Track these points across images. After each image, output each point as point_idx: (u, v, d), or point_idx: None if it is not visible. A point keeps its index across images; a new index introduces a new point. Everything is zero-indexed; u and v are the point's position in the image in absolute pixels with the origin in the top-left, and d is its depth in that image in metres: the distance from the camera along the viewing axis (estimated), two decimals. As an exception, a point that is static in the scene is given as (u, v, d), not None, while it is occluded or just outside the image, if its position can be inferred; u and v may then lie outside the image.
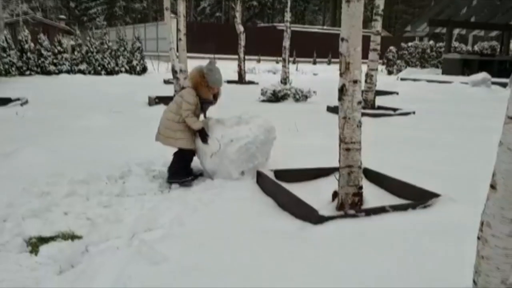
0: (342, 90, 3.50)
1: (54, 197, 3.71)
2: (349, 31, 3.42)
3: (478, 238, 1.51)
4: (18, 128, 6.77)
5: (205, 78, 4.34)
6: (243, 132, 4.33)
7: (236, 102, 10.68)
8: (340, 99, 3.51)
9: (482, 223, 1.47)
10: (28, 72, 17.99)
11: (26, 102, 9.61)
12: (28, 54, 18.07)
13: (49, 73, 18.32)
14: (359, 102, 3.53)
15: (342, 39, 3.45)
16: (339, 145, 3.55)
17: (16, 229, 3.03)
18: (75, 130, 6.63)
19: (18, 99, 9.50)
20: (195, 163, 4.55)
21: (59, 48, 18.72)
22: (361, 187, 3.57)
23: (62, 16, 44.50)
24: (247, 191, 3.97)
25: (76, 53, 19.15)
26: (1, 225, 3.07)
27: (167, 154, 4.72)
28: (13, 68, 17.51)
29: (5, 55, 16.92)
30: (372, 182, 4.22)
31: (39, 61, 18.33)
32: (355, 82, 3.47)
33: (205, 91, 4.39)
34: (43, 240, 2.98)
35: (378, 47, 9.17)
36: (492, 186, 1.42)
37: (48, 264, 2.64)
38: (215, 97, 4.60)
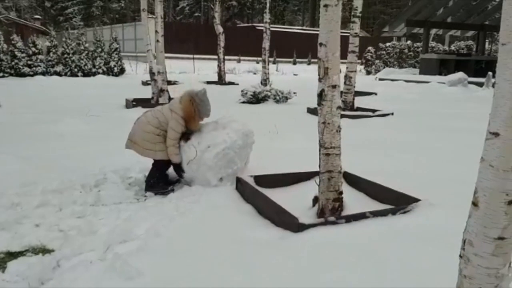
0: (321, 95, 3.45)
1: (24, 208, 3.57)
2: (327, 36, 3.38)
3: (460, 256, 1.46)
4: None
5: (197, 109, 4.24)
6: (220, 137, 4.25)
7: (216, 103, 10.46)
8: (319, 104, 3.47)
9: (464, 241, 1.43)
10: (0, 74, 17.53)
11: (-1, 105, 9.33)
12: (1, 55, 17.60)
13: (23, 75, 17.88)
14: (338, 107, 3.49)
15: (321, 44, 3.41)
16: (319, 150, 3.51)
17: (-17, 243, 2.89)
18: (49, 136, 6.44)
19: (-11, 103, 9.23)
20: (171, 169, 4.44)
21: (33, 49, 18.29)
22: (341, 192, 3.54)
23: (37, 16, 43.55)
24: (226, 198, 3.89)
25: (51, 54, 18.74)
26: (-34, 240, 2.92)
27: (144, 160, 4.61)
28: (-15, 70, 17.04)
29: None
30: (352, 186, 4.19)
31: (13, 63, 17.87)
32: (334, 87, 3.43)
33: (195, 123, 4.32)
34: (12, 255, 2.84)
35: (357, 49, 9.18)
36: (474, 204, 1.37)
37: (16, 281, 2.51)
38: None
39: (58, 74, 18.67)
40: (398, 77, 21.27)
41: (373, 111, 9.45)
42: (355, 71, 9.47)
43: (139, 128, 4.28)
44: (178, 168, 4.28)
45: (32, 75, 17.96)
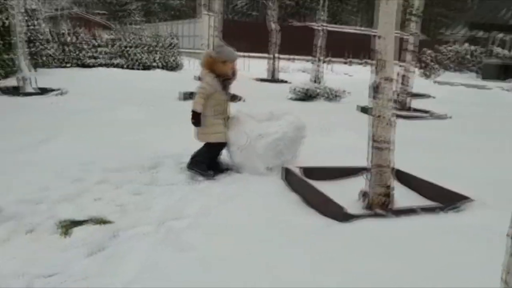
0: (375, 88, 3.46)
1: (86, 183, 3.81)
2: (385, 29, 3.38)
3: (508, 235, 1.46)
4: (54, 117, 6.97)
5: (216, 57, 4.33)
6: (272, 128, 4.33)
7: (266, 99, 10.69)
8: (373, 97, 3.47)
9: (513, 221, 1.43)
10: (67, 64, 18.51)
11: (65, 92, 9.88)
12: (68, 47, 18.59)
13: (86, 65, 18.77)
14: (391, 100, 3.48)
15: (379, 37, 3.42)
16: (371, 144, 3.51)
17: (49, 212, 3.14)
18: (109, 121, 6.78)
19: (57, 89, 9.80)
20: (224, 156, 4.57)
21: (97, 42, 19.17)
22: (391, 187, 3.52)
23: (101, 11, 45.55)
24: (274, 186, 3.97)
25: (111, 47, 19.56)
26: (35, 207, 3.18)
27: (195, 146, 4.77)
28: (52, 60, 18.05)
29: (46, 47, 17.45)
30: (402, 183, 4.14)
31: (78, 54, 18.83)
32: (388, 79, 3.43)
33: (221, 67, 4.32)
34: (75, 223, 3.06)
35: (415, 49, 8.98)
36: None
37: (79, 246, 2.71)
38: (233, 73, 4.49)
39: (118, 66, 19.46)
40: (457, 81, 20.49)
41: (429, 112, 9.20)
42: (412, 72, 9.27)
43: None
44: (195, 117, 4.24)
45: (95, 66, 18.84)
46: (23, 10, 10.05)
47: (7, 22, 10.38)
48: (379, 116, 3.47)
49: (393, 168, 3.55)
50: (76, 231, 2.91)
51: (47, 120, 6.63)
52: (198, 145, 4.53)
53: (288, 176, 4.17)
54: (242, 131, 4.34)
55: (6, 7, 10.27)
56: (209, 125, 4.32)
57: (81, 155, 4.64)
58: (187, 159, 4.80)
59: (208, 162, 4.40)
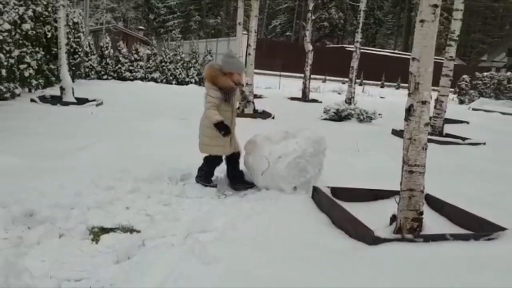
0: (409, 110, 3.42)
1: (118, 192, 3.90)
2: (421, 51, 3.36)
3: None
4: (92, 126, 7.20)
5: (218, 69, 4.38)
6: (290, 147, 4.32)
7: (298, 118, 10.72)
8: (406, 119, 3.43)
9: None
10: (105, 77, 19.11)
11: (101, 103, 10.20)
12: (107, 60, 19.22)
13: (124, 79, 19.36)
14: (426, 124, 3.43)
15: (413, 59, 3.39)
16: (402, 167, 3.46)
17: (81, 217, 3.22)
18: (143, 132, 6.94)
19: (94, 100, 10.13)
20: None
21: (135, 56, 19.75)
22: (421, 213, 3.44)
23: (141, 27, 46.99)
24: (301, 205, 3.95)
25: (151, 62, 20.11)
26: (68, 212, 3.27)
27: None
28: (93, 72, 18.69)
29: (87, 59, 18.10)
30: (433, 209, 4.05)
31: (116, 67, 19.43)
32: (423, 103, 3.39)
33: (223, 80, 4.34)
34: (104, 230, 3.14)
35: (451, 73, 8.85)
36: None
37: (107, 253, 2.77)
38: (237, 83, 4.50)
39: (155, 80, 19.96)
40: (494, 108, 19.99)
41: (463, 139, 9.00)
42: (447, 96, 9.12)
43: (201, 124, 4.57)
44: (220, 127, 4.27)
45: (132, 80, 19.39)
46: (66, 23, 10.47)
47: (49, 34, 10.85)
48: (411, 139, 3.42)
49: (421, 191, 3.47)
50: (106, 237, 2.98)
51: (85, 129, 6.86)
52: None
53: (317, 195, 4.14)
54: (261, 155, 4.34)
55: (50, 20, 10.76)
56: (213, 137, 4.37)
57: (116, 163, 4.75)
58: (217, 173, 4.85)
59: (211, 174, 4.63)
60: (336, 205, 3.77)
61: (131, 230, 3.18)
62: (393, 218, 3.57)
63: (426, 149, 3.44)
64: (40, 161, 4.56)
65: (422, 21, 3.33)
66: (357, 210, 3.71)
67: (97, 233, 3.07)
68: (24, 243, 2.72)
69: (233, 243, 2.95)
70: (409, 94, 3.43)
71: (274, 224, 3.41)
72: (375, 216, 3.67)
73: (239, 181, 4.56)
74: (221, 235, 3.09)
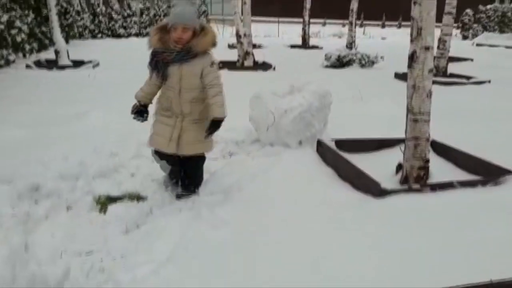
0: (412, 57, 3.32)
1: (122, 158, 3.88)
2: (422, -7, 3.21)
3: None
4: (90, 90, 7.09)
5: (161, 26, 3.01)
6: (296, 101, 4.24)
7: (299, 67, 10.53)
8: (410, 66, 3.35)
9: None
10: (99, 35, 18.72)
11: (98, 64, 10.01)
12: (100, 17, 18.74)
13: (119, 36, 18.97)
14: (431, 70, 3.34)
15: (415, 2, 3.26)
16: (406, 116, 3.40)
17: (87, 187, 3.22)
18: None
19: (90, 62, 9.93)
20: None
21: (128, 11, 19.24)
22: (427, 161, 3.42)
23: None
24: (307, 160, 3.92)
25: (144, 16, 19.60)
26: (73, 183, 3.27)
27: (231, 118, 4.68)
28: (86, 31, 18.28)
29: (79, 18, 17.65)
30: (439, 155, 4.03)
31: (110, 24, 18.99)
32: (427, 48, 3.28)
33: (157, 39, 2.96)
34: (111, 199, 3.14)
35: (454, 11, 8.55)
36: None
37: (116, 223, 2.78)
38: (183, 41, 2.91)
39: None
40: (499, 42, 19.53)
41: (468, 78, 8.84)
42: (450, 35, 8.86)
43: None
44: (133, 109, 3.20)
45: (126, 36, 19.00)
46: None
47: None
48: (415, 87, 3.34)
49: (427, 139, 3.43)
50: (113, 207, 2.99)
51: (83, 93, 6.76)
52: (236, 117, 4.01)
53: (321, 149, 4.11)
54: (267, 110, 4.27)
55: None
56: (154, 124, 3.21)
57: (117, 128, 4.70)
58: (221, 132, 4.73)
59: None
60: (341, 158, 3.75)
61: (138, 198, 3.19)
62: (399, 167, 3.56)
63: (430, 96, 3.37)
64: (41, 131, 4.52)
65: (423, -39, 3.15)
66: (363, 161, 3.69)
67: (104, 202, 3.08)
68: (32, 218, 2.73)
69: (240, 205, 2.95)
70: (411, 40, 3.32)
71: (279, 181, 3.40)
72: (381, 166, 3.66)
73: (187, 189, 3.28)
74: (228, 197, 3.09)
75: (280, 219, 2.76)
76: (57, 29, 9.61)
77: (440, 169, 3.61)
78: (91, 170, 3.51)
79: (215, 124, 2.95)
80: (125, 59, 11.75)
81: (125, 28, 19.19)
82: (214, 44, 3.00)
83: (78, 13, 17.59)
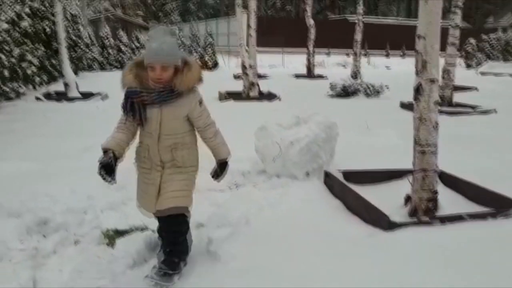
0: (418, 90, 3.35)
1: (129, 190, 3.87)
2: (427, 28, 3.28)
3: None
4: (98, 123, 7.15)
5: (136, 63, 2.56)
6: (302, 132, 4.27)
7: (304, 97, 10.61)
8: (415, 98, 3.37)
9: None
10: (108, 67, 19.04)
11: (106, 96, 10.15)
12: (109, 49, 19.12)
13: (127, 67, 19.26)
14: (436, 102, 3.36)
15: (419, 37, 3.31)
16: (414, 147, 3.41)
17: (95, 221, 3.23)
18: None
19: (99, 94, 10.08)
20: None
21: (136, 43, 19.62)
22: (436, 192, 3.41)
23: (140, 12, 46.53)
24: (314, 192, 3.92)
25: (151, 48, 19.97)
26: (81, 217, 3.27)
27: (237, 149, 4.67)
28: (95, 63, 18.62)
29: (88, 50, 18.01)
30: (448, 186, 4.00)
31: (118, 56, 19.34)
32: (432, 81, 3.32)
33: (132, 78, 2.51)
34: (119, 233, 3.13)
35: (457, 41, 8.67)
36: None
37: (124, 257, 2.76)
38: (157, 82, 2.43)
39: (157, 67, 19.85)
40: (503, 71, 19.61)
41: (473, 107, 8.86)
42: (454, 65, 8.94)
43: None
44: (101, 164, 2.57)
45: (134, 68, 19.29)
46: (64, 17, 10.38)
47: (48, 29, 10.77)
48: (422, 119, 3.36)
49: (435, 171, 3.42)
50: (121, 241, 2.97)
51: (91, 126, 6.83)
52: (242, 148, 4.24)
53: (329, 180, 4.11)
54: (272, 141, 4.29)
55: (48, 15, 10.67)
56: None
57: (125, 160, 4.73)
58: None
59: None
60: (349, 190, 3.74)
61: (146, 229, 3.18)
62: (408, 199, 3.54)
63: (437, 127, 3.39)
64: (49, 164, 4.56)
65: (426, -3, 3.22)
66: (371, 193, 3.68)
67: (112, 236, 3.07)
68: (41, 253, 2.73)
69: (247, 239, 2.94)
70: (416, 73, 3.36)
71: (287, 214, 3.40)
72: (389, 197, 3.65)
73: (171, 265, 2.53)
74: (235, 230, 3.07)
75: (287, 254, 2.73)
76: (66, 61, 9.81)
77: (449, 201, 3.58)
78: (99, 203, 3.52)
79: (224, 166, 2.74)
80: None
81: (133, 60, 19.53)
82: (200, 79, 2.55)
83: (87, 45, 17.96)
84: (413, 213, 3.39)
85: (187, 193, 2.62)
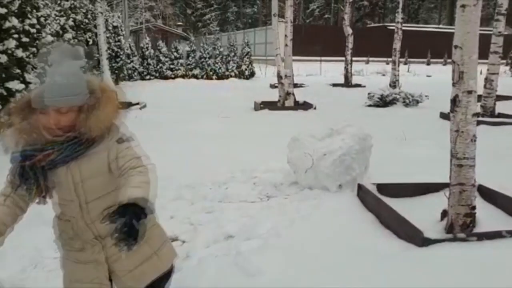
0: (454, 101, 3.25)
1: (161, 200, 3.95)
2: (464, 38, 3.18)
3: None
4: (135, 131, 7.30)
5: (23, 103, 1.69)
6: (335, 144, 4.21)
7: (341, 107, 10.50)
8: (452, 110, 3.27)
9: None
10: (148, 77, 19.52)
11: (145, 106, 10.40)
12: (148, 60, 19.61)
13: (166, 77, 19.70)
14: (474, 115, 3.24)
15: (456, 47, 3.21)
16: (450, 160, 3.30)
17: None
18: (186, 134, 7.01)
19: (137, 103, 10.35)
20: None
21: (175, 54, 20.04)
22: (474, 207, 3.28)
23: (180, 23, 47.58)
24: (347, 205, 3.85)
25: (190, 58, 20.34)
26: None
27: (270, 160, 4.62)
28: (135, 73, 19.14)
29: (129, 61, 18.55)
30: (487, 201, 3.85)
31: (158, 67, 19.79)
32: (469, 92, 3.21)
33: (34, 125, 1.65)
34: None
35: (500, 49, 8.34)
36: None
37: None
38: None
39: (195, 77, 20.19)
40: (552, 79, 18.73)
41: (518, 117, 8.49)
42: (498, 73, 8.61)
43: None
44: None
45: (173, 78, 19.70)
46: (105, 29, 10.75)
47: (90, 40, 11.17)
48: (459, 131, 3.25)
49: (472, 185, 3.29)
50: None
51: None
52: (275, 159, 4.43)
53: (362, 193, 4.03)
54: (305, 152, 4.25)
55: (90, 27, 11.07)
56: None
57: (159, 170, 4.80)
58: (259, 173, 4.81)
59: None
60: (382, 204, 3.65)
61: (176, 241, 3.21)
62: (444, 214, 3.43)
63: (475, 140, 3.27)
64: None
65: (463, 6, 3.14)
66: (405, 207, 3.58)
67: (143, 246, 3.12)
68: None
69: (277, 252, 2.91)
70: (453, 84, 3.26)
71: (318, 228, 3.35)
72: (425, 212, 3.54)
73: None
74: (265, 243, 3.06)
75: (318, 269, 2.69)
76: (107, 72, 10.15)
77: (488, 216, 3.44)
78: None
79: (124, 211, 1.41)
80: (171, 100, 12.17)
81: (172, 70, 19.95)
82: (118, 113, 1.77)
83: (128, 56, 18.50)
84: (449, 228, 3.27)
85: (157, 258, 1.81)
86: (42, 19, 6.61)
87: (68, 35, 9.74)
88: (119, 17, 16.46)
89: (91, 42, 11.46)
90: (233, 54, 20.95)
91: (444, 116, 8.77)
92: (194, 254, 2.98)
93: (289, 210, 3.76)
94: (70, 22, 9.93)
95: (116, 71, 14.76)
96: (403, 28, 14.21)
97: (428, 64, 32.25)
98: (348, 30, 16.62)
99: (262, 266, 2.66)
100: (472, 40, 3.19)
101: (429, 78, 22.25)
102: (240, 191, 4.33)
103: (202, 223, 3.50)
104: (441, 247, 2.90)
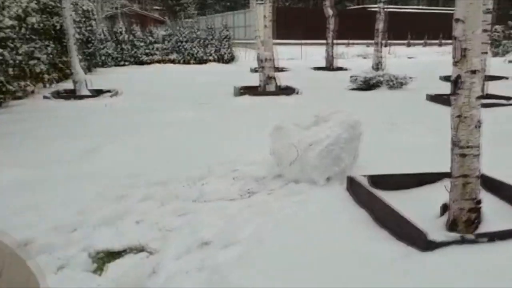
0: (456, 83, 2.85)
1: (128, 201, 3.48)
2: (466, 10, 2.78)
3: None
4: (104, 122, 6.81)
5: None
6: (322, 132, 3.80)
7: (324, 91, 10.13)
8: (453, 93, 2.87)
9: None
10: (122, 63, 18.80)
11: (117, 93, 9.81)
12: (123, 45, 18.86)
13: (142, 62, 19.02)
14: (479, 97, 2.86)
15: (457, 20, 2.81)
16: (452, 150, 2.92)
17: (84, 241, 2.80)
18: (160, 124, 6.50)
19: (108, 91, 9.74)
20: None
21: (150, 38, 19.34)
22: (479, 202, 2.91)
23: (157, 7, 46.37)
24: (336, 200, 3.45)
25: (166, 42, 19.64)
26: (68, 236, 2.85)
27: (251, 151, 4.29)
28: (109, 59, 18.38)
29: (102, 46, 17.78)
30: (491, 192, 3.49)
31: (133, 52, 19.07)
32: (473, 72, 2.82)
33: None
34: (111, 255, 2.72)
35: (489, 27, 7.98)
36: None
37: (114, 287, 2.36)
38: None
39: (172, 61, 19.54)
40: (533, 58, 18.69)
41: (508, 98, 8.22)
42: (487, 53, 8.27)
43: None
44: None
45: (149, 63, 19.03)
46: (75, 13, 10.08)
47: (58, 25, 10.49)
48: (461, 117, 2.86)
49: (477, 177, 2.92)
50: (113, 266, 2.57)
51: (98, 126, 6.48)
52: (257, 150, 4.03)
53: (353, 186, 3.63)
54: (289, 143, 3.83)
55: (58, 10, 10.37)
56: None
57: (128, 165, 4.36)
58: (240, 166, 4.38)
59: None
60: (376, 198, 3.26)
61: (141, 251, 2.76)
62: (444, 208, 3.06)
63: (480, 127, 2.90)
64: (43, 171, 4.17)
65: (466, -28, 2.72)
66: (401, 200, 3.21)
67: (102, 259, 2.67)
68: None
69: (259, 263, 2.49)
70: (454, 63, 2.85)
71: (306, 230, 2.93)
72: (422, 206, 3.18)
73: None
74: (246, 252, 2.63)
75: (306, 283, 2.29)
76: (75, 58, 9.48)
77: (494, 210, 3.08)
78: (92, 218, 3.11)
79: None
80: (146, 87, 11.61)
81: (147, 54, 19.25)
82: None
83: (101, 41, 17.72)
84: (451, 225, 2.90)
85: None
86: (-2, 0, 5.99)
87: (32, 19, 9.04)
88: (90, 0, 15.65)
89: (58, 27, 10.74)
90: (211, 37, 20.33)
91: (431, 98, 8.45)
92: (162, 268, 2.52)
93: (273, 209, 3.33)
94: (34, 5, 9.21)
95: (88, 57, 14.04)
96: (385, 10, 13.82)
97: (408, 45, 32.07)
98: (329, 11, 16.18)
99: (242, 283, 2.24)
100: (475, 12, 2.81)
101: (411, 60, 22.05)
102: (218, 187, 3.87)
103: (173, 229, 3.04)
104: (448, 252, 2.53)
